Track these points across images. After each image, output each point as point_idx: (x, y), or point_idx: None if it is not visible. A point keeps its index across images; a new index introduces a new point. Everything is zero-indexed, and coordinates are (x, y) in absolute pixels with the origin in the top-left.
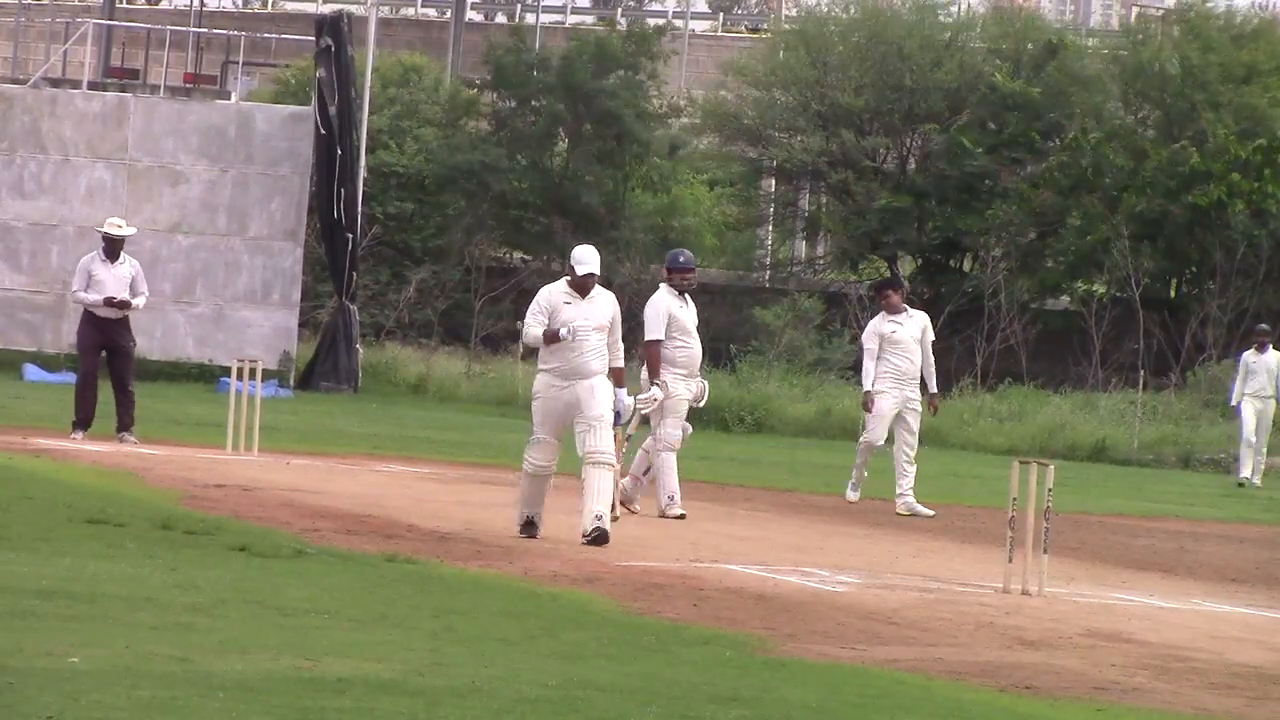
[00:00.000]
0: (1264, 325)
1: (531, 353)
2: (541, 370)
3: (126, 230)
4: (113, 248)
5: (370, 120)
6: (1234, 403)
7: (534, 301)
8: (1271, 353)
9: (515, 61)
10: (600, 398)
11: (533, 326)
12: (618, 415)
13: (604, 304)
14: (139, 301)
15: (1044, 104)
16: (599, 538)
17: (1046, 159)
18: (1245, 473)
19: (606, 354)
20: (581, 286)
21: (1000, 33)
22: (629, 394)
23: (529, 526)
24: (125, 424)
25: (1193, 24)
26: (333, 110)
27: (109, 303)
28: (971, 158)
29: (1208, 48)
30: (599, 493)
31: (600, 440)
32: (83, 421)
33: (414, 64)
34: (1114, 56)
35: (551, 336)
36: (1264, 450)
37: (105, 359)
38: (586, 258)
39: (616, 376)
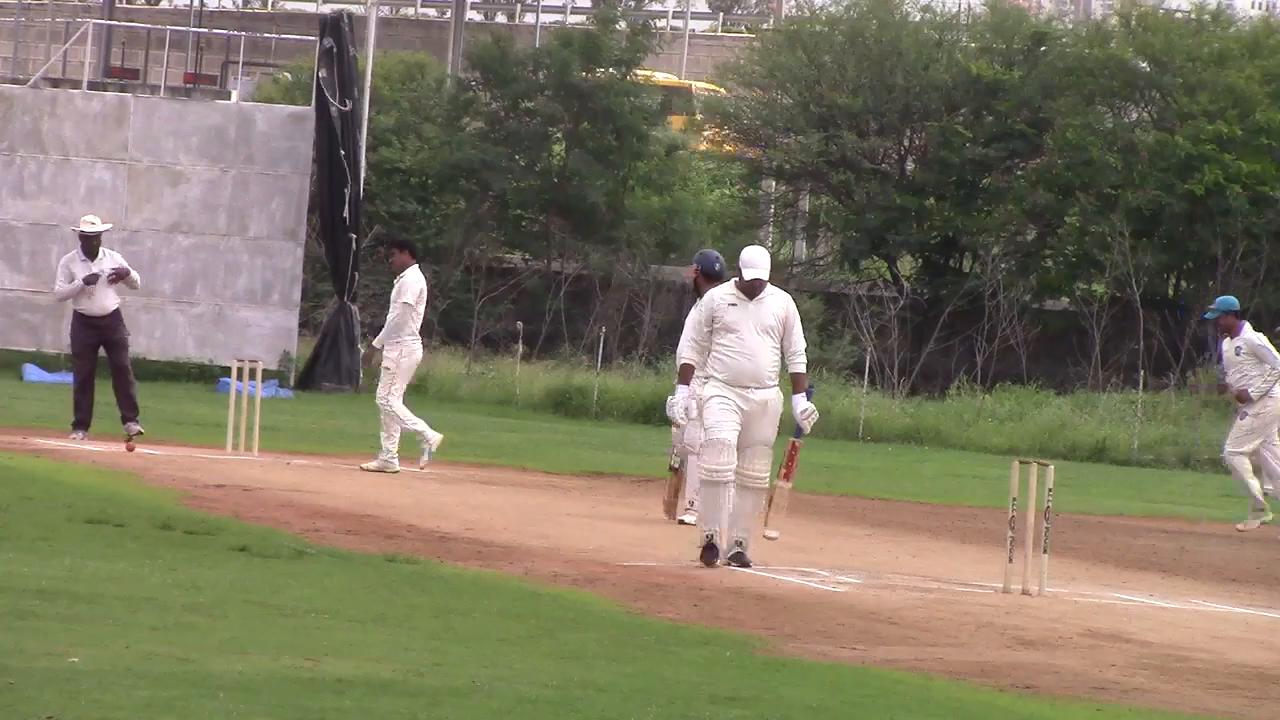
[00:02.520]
0: None
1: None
2: (712, 378)
3: (100, 226)
4: (89, 245)
5: (376, 118)
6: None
7: (694, 309)
8: None
9: (501, 60)
10: (771, 419)
11: (683, 346)
12: (799, 428)
13: (774, 304)
14: (134, 277)
15: (1031, 92)
16: (737, 559)
17: (1040, 151)
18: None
19: (779, 357)
20: (749, 289)
21: (989, 27)
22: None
23: (709, 551)
24: (129, 415)
25: (1142, 18)
26: (334, 110)
27: (89, 280)
28: (967, 147)
29: (1167, 37)
30: (743, 517)
31: (757, 465)
32: (82, 422)
33: (417, 61)
34: (1080, 55)
35: (681, 409)
36: None
37: (105, 355)
38: (756, 260)
39: (796, 382)
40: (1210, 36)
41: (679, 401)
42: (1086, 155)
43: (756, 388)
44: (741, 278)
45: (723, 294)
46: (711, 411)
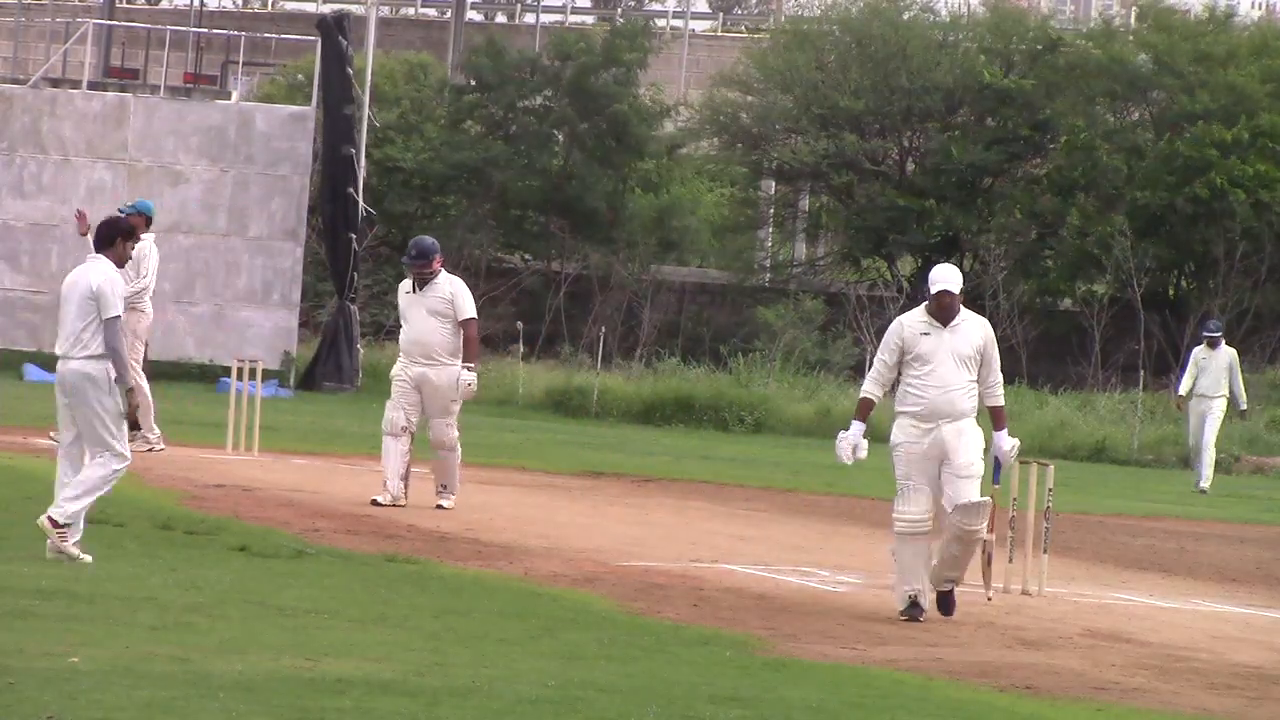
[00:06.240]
0: (1215, 322)
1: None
2: (900, 412)
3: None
4: None
5: (377, 114)
6: (1182, 392)
7: (884, 338)
8: (1224, 350)
9: (493, 71)
10: (969, 443)
11: (868, 379)
12: (997, 464)
13: (970, 331)
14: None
15: (1037, 97)
16: (942, 603)
17: (1044, 153)
18: (1206, 475)
19: (975, 390)
20: (941, 311)
21: (992, 28)
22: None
23: (913, 608)
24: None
25: (1156, 18)
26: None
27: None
28: (964, 157)
29: (1175, 38)
30: (954, 560)
31: (969, 495)
32: None
33: (420, 62)
34: (1086, 55)
35: (848, 448)
36: (1212, 450)
37: None
38: (945, 275)
39: (997, 417)
40: (1217, 34)
41: (849, 439)
42: (1091, 156)
43: (947, 420)
44: (930, 294)
45: (914, 321)
46: (899, 462)
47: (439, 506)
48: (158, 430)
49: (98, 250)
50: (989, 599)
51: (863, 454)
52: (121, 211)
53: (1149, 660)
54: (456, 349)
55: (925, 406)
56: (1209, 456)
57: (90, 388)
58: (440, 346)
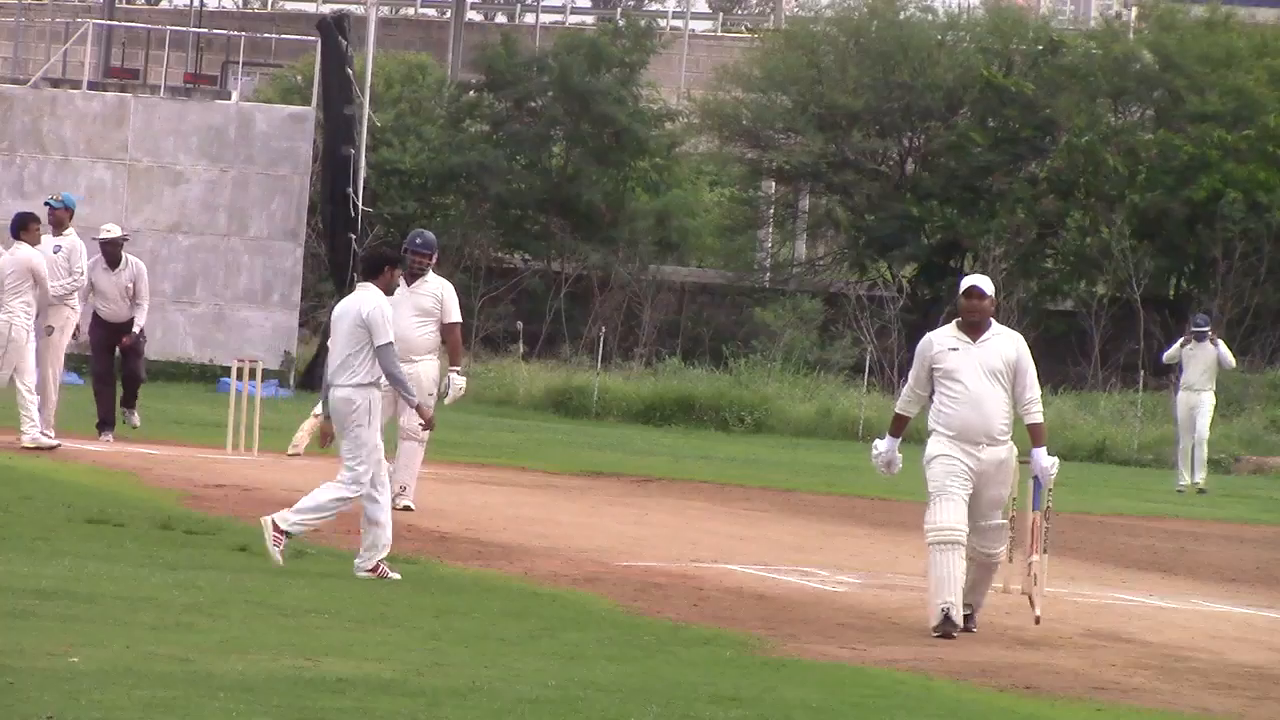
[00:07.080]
0: (1202, 316)
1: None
2: (936, 431)
3: (118, 233)
4: (111, 253)
5: (374, 118)
6: (1166, 360)
7: (915, 356)
8: (1208, 344)
9: (506, 64)
10: (1005, 478)
11: (901, 398)
12: (1036, 484)
13: (1001, 345)
14: (139, 318)
15: (1039, 100)
16: (944, 624)
17: (1045, 154)
18: (1184, 482)
19: (1010, 407)
20: (970, 314)
21: (991, 29)
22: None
23: (945, 623)
24: (128, 400)
25: (1160, 17)
26: (343, 110)
27: (124, 346)
28: (974, 153)
29: (1181, 37)
30: (977, 589)
31: (993, 540)
32: (106, 421)
33: (419, 62)
34: (1088, 54)
35: (882, 463)
36: (1205, 447)
37: (120, 356)
38: (975, 276)
39: (1035, 434)
40: (1222, 35)
41: (884, 454)
42: (1092, 158)
43: (987, 444)
44: (959, 293)
45: (942, 336)
46: (935, 473)
47: (405, 508)
48: (45, 430)
49: (364, 279)
50: (1036, 621)
51: (898, 468)
52: (48, 205)
53: (1149, 660)
54: (433, 348)
55: (959, 424)
56: (1203, 453)
57: (351, 413)
58: (420, 345)
